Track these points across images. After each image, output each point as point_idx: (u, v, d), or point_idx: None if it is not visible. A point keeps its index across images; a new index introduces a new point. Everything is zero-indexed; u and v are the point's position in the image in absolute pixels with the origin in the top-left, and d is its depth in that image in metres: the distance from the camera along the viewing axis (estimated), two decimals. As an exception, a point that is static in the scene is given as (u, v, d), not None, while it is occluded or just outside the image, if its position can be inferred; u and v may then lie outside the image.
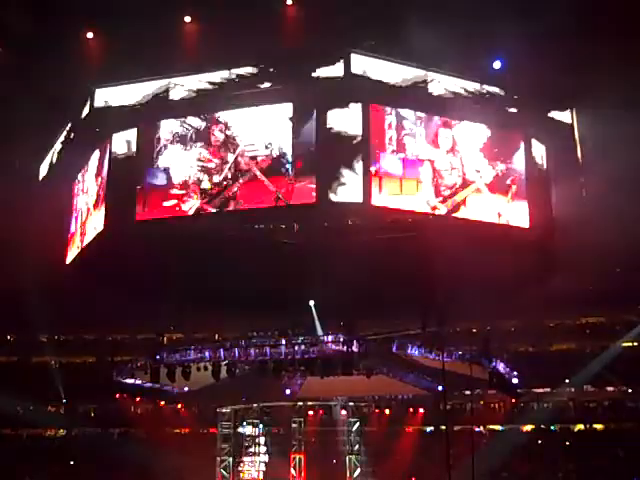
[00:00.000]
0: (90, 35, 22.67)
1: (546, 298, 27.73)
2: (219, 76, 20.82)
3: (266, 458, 29.08)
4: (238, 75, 20.55)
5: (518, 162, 22.04)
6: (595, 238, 23.44)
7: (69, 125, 23.56)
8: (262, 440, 29.36)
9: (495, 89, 21.56)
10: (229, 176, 20.60)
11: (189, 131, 21.39)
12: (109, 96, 21.83)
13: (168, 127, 21.52)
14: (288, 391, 27.13)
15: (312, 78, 19.91)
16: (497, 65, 22.09)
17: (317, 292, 24.33)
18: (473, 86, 21.25)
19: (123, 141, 21.96)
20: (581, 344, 37.21)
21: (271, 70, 20.43)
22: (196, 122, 21.35)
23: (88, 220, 23.52)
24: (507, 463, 30.84)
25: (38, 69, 22.71)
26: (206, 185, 20.81)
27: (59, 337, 40.75)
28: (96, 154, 23.32)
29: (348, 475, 28.01)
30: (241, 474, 28.92)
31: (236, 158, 20.67)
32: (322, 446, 29.02)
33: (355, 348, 22.85)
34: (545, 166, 22.92)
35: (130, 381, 26.51)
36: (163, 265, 22.06)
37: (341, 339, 23.18)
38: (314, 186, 19.63)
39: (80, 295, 28.45)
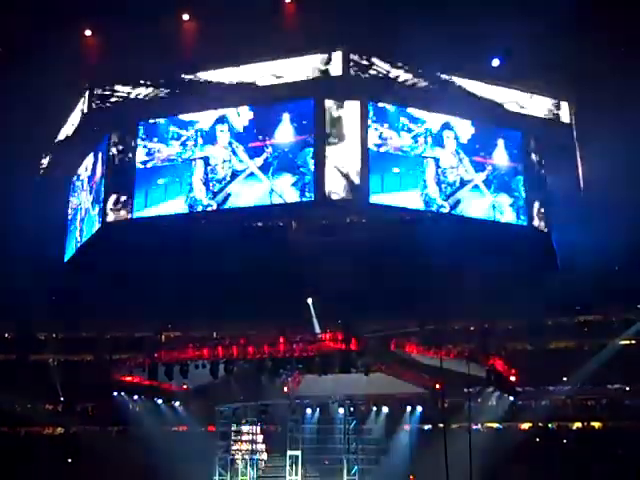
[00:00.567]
0: (88, 33, 22.63)
1: (545, 297, 27.76)
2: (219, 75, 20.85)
3: (264, 456, 29.07)
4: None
5: (517, 160, 22.07)
6: (594, 237, 23.47)
7: (68, 124, 23.55)
8: (260, 438, 29.34)
9: (493, 87, 21.58)
10: (229, 173, 20.61)
11: (189, 131, 21.40)
12: (108, 96, 21.83)
13: (168, 126, 21.53)
14: (286, 389, 27.11)
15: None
16: (496, 63, 22.10)
17: (315, 290, 24.35)
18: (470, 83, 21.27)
19: (121, 140, 21.96)
20: (579, 342, 37.22)
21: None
22: (197, 122, 21.36)
23: (86, 218, 23.51)
24: (505, 461, 30.82)
25: (37, 69, 22.68)
26: (206, 182, 20.81)
27: (57, 335, 40.71)
28: (94, 153, 23.31)
29: (345, 473, 27.98)
30: (239, 472, 28.90)
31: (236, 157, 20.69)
32: (319, 444, 28.92)
33: (353, 346, 22.83)
34: (543, 165, 22.94)
35: (128, 379, 26.50)
36: (161, 263, 22.07)
37: (339, 337, 23.17)
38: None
39: (78, 293, 28.44)
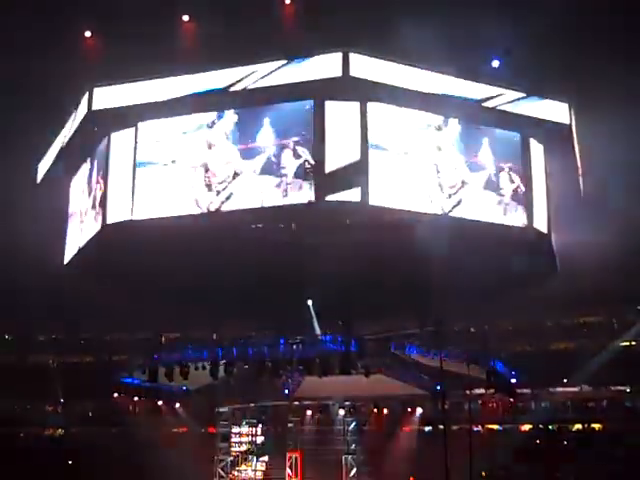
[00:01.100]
0: (88, 34, 22.66)
1: (544, 298, 27.72)
2: (219, 75, 20.83)
3: (264, 457, 29.11)
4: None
5: (518, 162, 22.07)
6: (594, 237, 23.46)
7: (68, 125, 23.55)
8: (260, 439, 29.37)
9: (493, 87, 21.57)
10: (229, 174, 20.59)
11: (190, 131, 21.39)
12: (108, 96, 21.82)
13: (167, 126, 21.52)
14: (286, 390, 27.14)
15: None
16: (495, 64, 22.10)
17: (315, 291, 24.32)
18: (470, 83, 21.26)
19: (121, 140, 21.95)
20: (579, 343, 37.17)
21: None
22: (197, 121, 21.34)
23: (86, 219, 23.50)
24: (505, 463, 30.82)
25: (37, 69, 22.70)
26: (206, 183, 20.80)
27: (57, 336, 40.70)
28: (94, 154, 23.29)
29: (345, 475, 27.99)
30: (239, 473, 28.92)
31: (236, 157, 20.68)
32: (319, 445, 28.96)
33: (353, 348, 22.84)
34: (543, 166, 22.93)
35: (128, 380, 26.50)
36: (161, 264, 22.04)
37: (339, 338, 23.18)
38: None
39: (78, 295, 28.43)
